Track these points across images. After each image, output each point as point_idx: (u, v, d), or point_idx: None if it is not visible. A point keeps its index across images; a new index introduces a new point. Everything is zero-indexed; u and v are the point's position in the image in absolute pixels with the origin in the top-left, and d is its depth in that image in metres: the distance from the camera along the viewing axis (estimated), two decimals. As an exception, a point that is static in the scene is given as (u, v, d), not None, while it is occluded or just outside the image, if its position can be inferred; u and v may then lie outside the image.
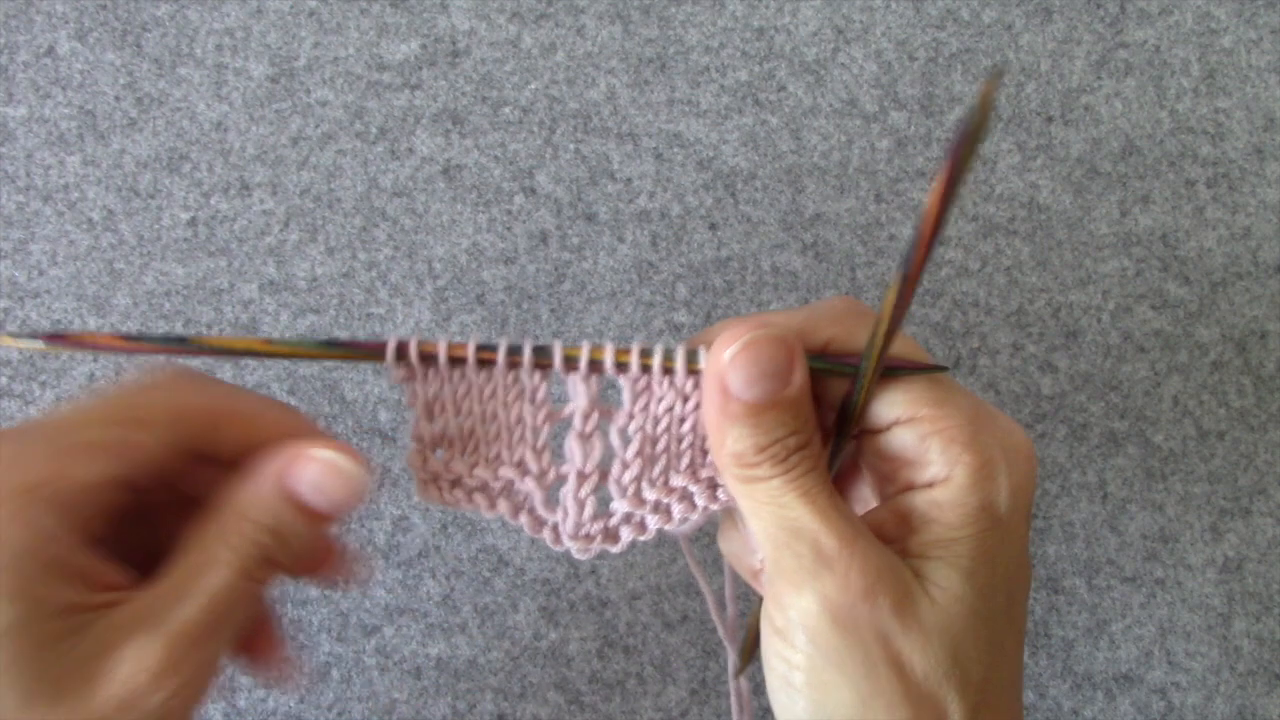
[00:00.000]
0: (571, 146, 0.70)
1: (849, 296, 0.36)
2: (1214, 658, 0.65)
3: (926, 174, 0.70)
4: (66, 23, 0.72)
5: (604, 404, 0.37)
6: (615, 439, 0.37)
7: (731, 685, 0.45)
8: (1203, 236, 0.70)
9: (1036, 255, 0.69)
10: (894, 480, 0.37)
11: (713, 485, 0.38)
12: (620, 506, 0.38)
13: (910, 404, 0.35)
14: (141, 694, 0.31)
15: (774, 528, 0.35)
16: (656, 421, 0.37)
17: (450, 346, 0.36)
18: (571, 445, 0.38)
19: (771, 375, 0.34)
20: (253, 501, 0.34)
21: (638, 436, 0.37)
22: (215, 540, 0.33)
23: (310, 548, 0.35)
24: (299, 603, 0.64)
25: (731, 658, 0.45)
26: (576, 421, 0.37)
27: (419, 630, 0.64)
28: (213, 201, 0.69)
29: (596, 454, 0.38)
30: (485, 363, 0.36)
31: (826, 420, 0.42)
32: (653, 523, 0.38)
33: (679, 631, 0.64)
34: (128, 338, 0.35)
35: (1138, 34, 0.73)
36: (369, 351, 0.36)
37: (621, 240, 0.69)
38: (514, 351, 0.36)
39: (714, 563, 0.64)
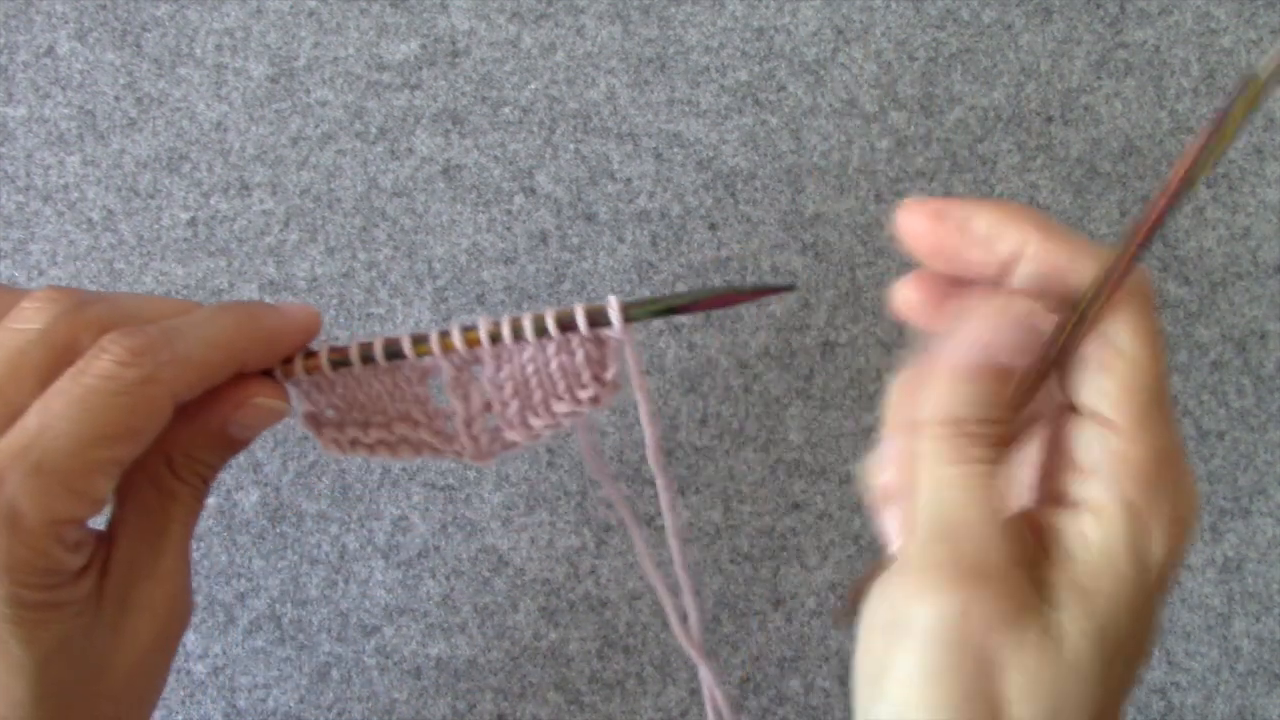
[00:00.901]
0: (571, 146, 0.70)
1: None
2: (1214, 658, 0.65)
3: (926, 174, 0.70)
4: (66, 23, 0.72)
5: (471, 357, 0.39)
6: (489, 386, 0.39)
7: (705, 696, 0.45)
8: (1203, 236, 0.70)
9: (1036, 255, 0.69)
10: (1051, 477, 0.34)
11: (597, 393, 0.39)
12: (513, 436, 0.40)
13: (1118, 404, 0.32)
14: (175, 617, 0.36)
15: (934, 513, 0.31)
16: (523, 368, 0.38)
17: (305, 360, 0.38)
18: (450, 398, 0.39)
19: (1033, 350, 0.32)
20: (200, 444, 0.37)
21: (509, 383, 0.39)
22: (171, 480, 0.37)
23: None
24: (299, 603, 0.64)
25: (702, 671, 0.44)
26: (446, 380, 0.39)
27: (419, 630, 0.64)
28: (213, 201, 0.69)
29: (476, 399, 0.39)
30: (340, 364, 0.38)
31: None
32: (547, 433, 0.40)
33: (679, 631, 0.64)
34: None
35: (1138, 34, 0.73)
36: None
37: (621, 240, 0.69)
38: (367, 354, 0.38)
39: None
